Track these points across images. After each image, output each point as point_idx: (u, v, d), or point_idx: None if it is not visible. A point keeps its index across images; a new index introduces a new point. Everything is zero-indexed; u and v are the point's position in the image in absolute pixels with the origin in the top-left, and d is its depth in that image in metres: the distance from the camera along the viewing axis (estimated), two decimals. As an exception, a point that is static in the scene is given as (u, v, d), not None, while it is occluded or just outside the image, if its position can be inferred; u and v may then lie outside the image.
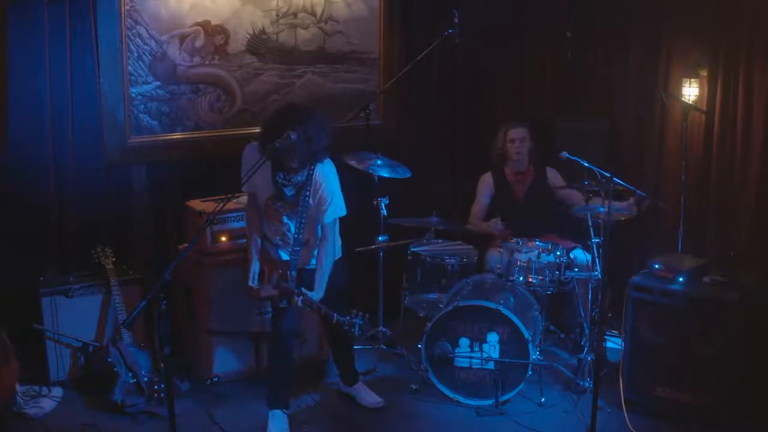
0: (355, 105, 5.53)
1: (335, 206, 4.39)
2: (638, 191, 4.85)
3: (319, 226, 4.41)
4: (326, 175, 4.35)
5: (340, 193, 4.42)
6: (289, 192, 4.32)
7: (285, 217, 4.39)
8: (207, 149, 5.47)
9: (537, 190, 5.52)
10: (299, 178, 4.30)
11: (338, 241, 4.53)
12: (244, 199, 5.02)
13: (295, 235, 4.33)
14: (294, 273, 4.30)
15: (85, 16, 4.99)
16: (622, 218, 4.88)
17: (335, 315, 4.27)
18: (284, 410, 4.53)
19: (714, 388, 4.49)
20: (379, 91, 5.92)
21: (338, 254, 4.53)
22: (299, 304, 4.27)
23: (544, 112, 6.09)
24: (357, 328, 4.28)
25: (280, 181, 4.30)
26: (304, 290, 4.28)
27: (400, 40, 6.06)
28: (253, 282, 4.39)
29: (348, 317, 4.28)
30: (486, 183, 5.63)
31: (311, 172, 4.29)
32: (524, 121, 5.59)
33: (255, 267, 4.41)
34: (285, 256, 4.43)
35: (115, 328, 4.92)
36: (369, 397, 4.80)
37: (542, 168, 5.54)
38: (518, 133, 5.50)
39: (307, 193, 4.30)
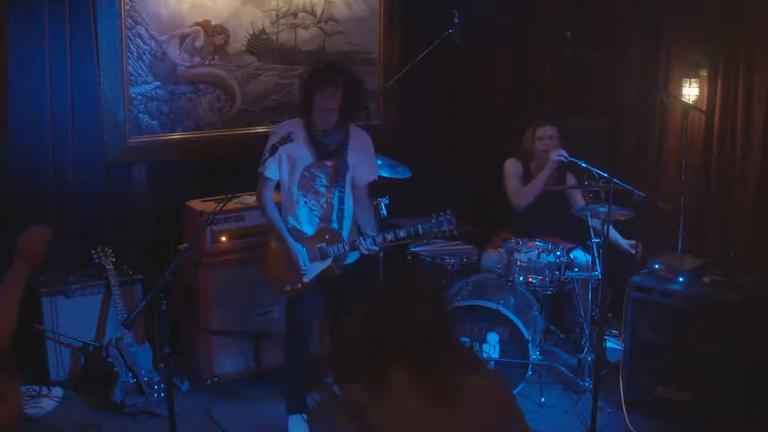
0: (354, 105, 5.53)
1: (374, 167, 4.43)
2: (637, 191, 4.85)
3: (349, 196, 4.35)
4: (362, 133, 4.40)
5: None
6: (332, 146, 4.27)
7: (323, 188, 4.31)
8: (207, 149, 5.47)
9: (556, 192, 5.34)
10: (337, 137, 4.28)
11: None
12: (244, 199, 5.03)
13: (339, 199, 4.28)
14: (345, 234, 4.28)
15: (85, 15, 4.99)
16: (622, 218, 4.88)
17: (419, 225, 4.17)
18: (304, 414, 4.50)
19: (714, 388, 4.49)
20: (379, 91, 5.92)
21: None
22: (371, 246, 4.21)
23: (544, 112, 6.08)
24: (447, 224, 4.17)
25: (318, 138, 4.26)
26: (366, 232, 4.24)
27: (400, 40, 6.06)
28: (305, 264, 4.26)
29: (432, 220, 4.18)
30: (514, 166, 5.43)
31: (347, 132, 4.31)
32: (552, 120, 5.45)
33: (301, 249, 4.27)
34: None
35: (115, 328, 4.92)
36: None
37: (564, 172, 5.42)
38: (547, 131, 5.35)
39: (345, 152, 4.29)
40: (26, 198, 5.00)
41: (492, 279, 5.10)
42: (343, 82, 4.21)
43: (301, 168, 4.29)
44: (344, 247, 4.28)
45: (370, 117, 5.34)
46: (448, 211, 4.25)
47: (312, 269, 4.30)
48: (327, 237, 4.29)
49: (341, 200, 4.30)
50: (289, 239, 4.30)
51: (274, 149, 4.13)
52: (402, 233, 4.21)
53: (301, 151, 4.27)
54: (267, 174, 4.27)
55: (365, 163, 4.39)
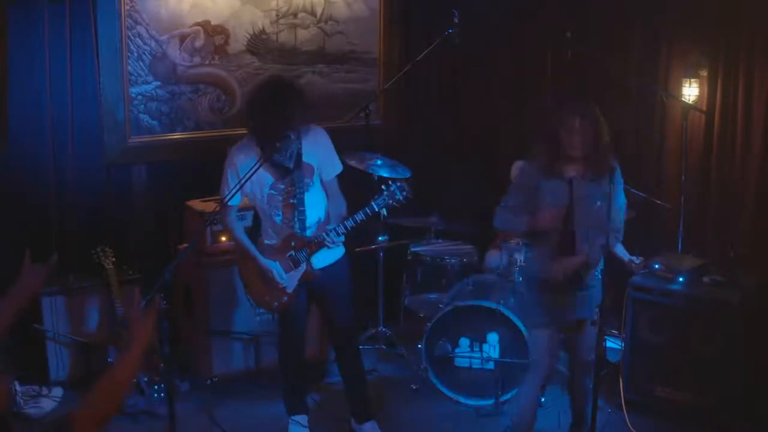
0: (355, 105, 5.53)
1: (335, 159, 4.31)
2: (637, 191, 4.84)
3: (321, 194, 4.28)
4: (316, 129, 4.27)
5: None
6: (290, 163, 4.16)
7: (292, 199, 4.23)
8: (207, 149, 5.46)
9: None
10: (293, 148, 4.16)
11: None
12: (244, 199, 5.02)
13: (299, 201, 4.20)
14: (308, 232, 4.21)
15: (85, 15, 4.99)
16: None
17: (372, 203, 4.11)
18: (304, 414, 4.51)
19: (714, 388, 4.49)
20: (379, 91, 5.92)
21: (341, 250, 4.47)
22: (335, 239, 4.14)
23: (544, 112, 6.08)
24: (399, 192, 4.10)
25: (276, 158, 4.13)
26: (329, 228, 4.18)
27: (400, 40, 6.06)
28: (281, 278, 4.23)
29: (384, 193, 4.13)
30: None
31: (299, 137, 4.18)
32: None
33: (276, 266, 4.23)
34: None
35: (115, 329, 4.92)
36: None
37: None
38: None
39: (300, 158, 4.18)
40: (26, 198, 5.00)
41: (492, 279, 5.10)
42: (297, 100, 4.10)
43: (266, 188, 4.22)
44: (311, 248, 4.22)
45: (370, 117, 5.36)
46: (398, 181, 4.17)
47: (291, 279, 4.26)
48: (293, 243, 4.24)
49: (301, 202, 4.21)
50: (260, 258, 4.24)
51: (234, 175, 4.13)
52: (360, 216, 4.14)
53: (263, 174, 4.15)
54: (229, 202, 4.15)
55: (326, 157, 4.28)
